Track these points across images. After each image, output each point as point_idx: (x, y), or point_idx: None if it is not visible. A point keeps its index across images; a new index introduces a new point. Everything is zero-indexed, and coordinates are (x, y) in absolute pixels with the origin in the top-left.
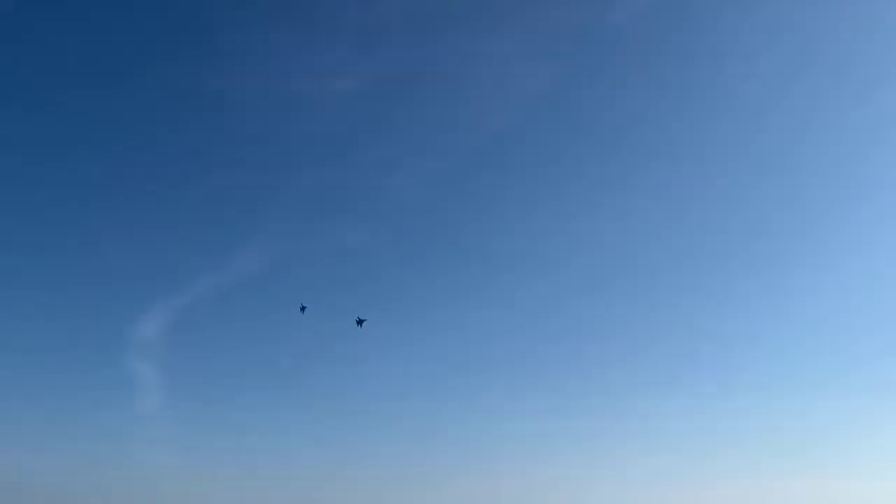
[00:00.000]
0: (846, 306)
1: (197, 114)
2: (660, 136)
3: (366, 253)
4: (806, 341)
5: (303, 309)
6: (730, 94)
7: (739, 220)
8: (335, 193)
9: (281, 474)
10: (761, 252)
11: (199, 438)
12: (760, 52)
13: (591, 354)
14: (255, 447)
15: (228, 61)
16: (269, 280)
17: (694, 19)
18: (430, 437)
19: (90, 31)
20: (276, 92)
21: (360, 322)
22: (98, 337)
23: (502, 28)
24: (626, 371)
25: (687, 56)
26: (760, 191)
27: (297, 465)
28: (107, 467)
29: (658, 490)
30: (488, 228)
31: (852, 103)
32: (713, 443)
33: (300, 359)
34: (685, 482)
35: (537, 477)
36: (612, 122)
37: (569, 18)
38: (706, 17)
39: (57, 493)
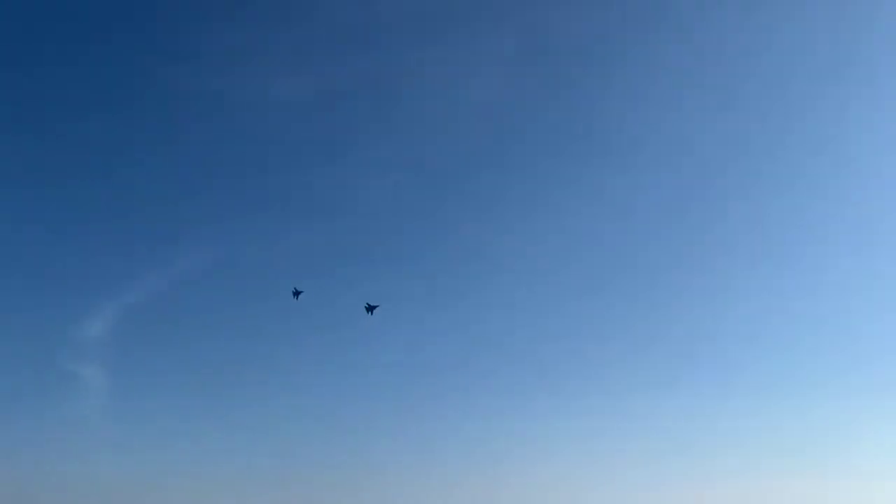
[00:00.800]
0: (845, 306)
1: (149, 112)
2: (614, 140)
3: (315, 253)
4: (805, 342)
5: (296, 294)
6: (686, 101)
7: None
8: (285, 194)
9: (228, 477)
10: (759, 252)
11: (143, 441)
12: (758, 51)
13: (591, 355)
14: (203, 449)
15: (178, 57)
16: (216, 279)
17: (645, 32)
18: (407, 439)
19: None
20: (227, 92)
21: (370, 309)
22: (40, 337)
23: (455, 37)
24: (626, 371)
25: (640, 66)
26: (746, 189)
27: (243, 467)
28: (45, 470)
29: (658, 489)
30: (438, 232)
31: (847, 100)
32: (713, 443)
33: (244, 360)
34: (685, 482)
35: (538, 477)
36: (561, 129)
37: (521, 28)
38: (657, 29)
39: None
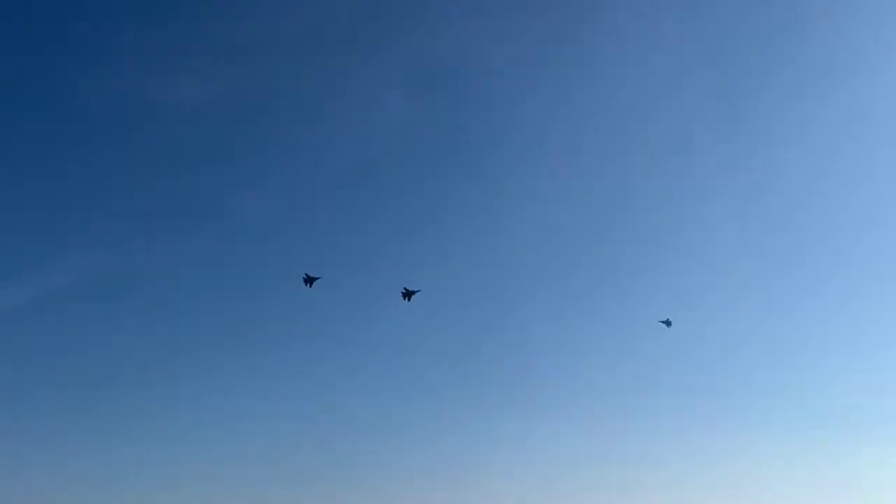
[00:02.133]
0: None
1: (37, 112)
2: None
3: (198, 271)
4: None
5: (309, 282)
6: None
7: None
8: (171, 205)
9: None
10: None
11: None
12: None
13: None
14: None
15: (69, 57)
16: (97, 287)
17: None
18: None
19: None
20: (120, 92)
21: (408, 295)
22: None
23: (366, 58)
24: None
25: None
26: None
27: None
28: None
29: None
30: (315, 243)
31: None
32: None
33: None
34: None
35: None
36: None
37: (432, 55)
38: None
39: None
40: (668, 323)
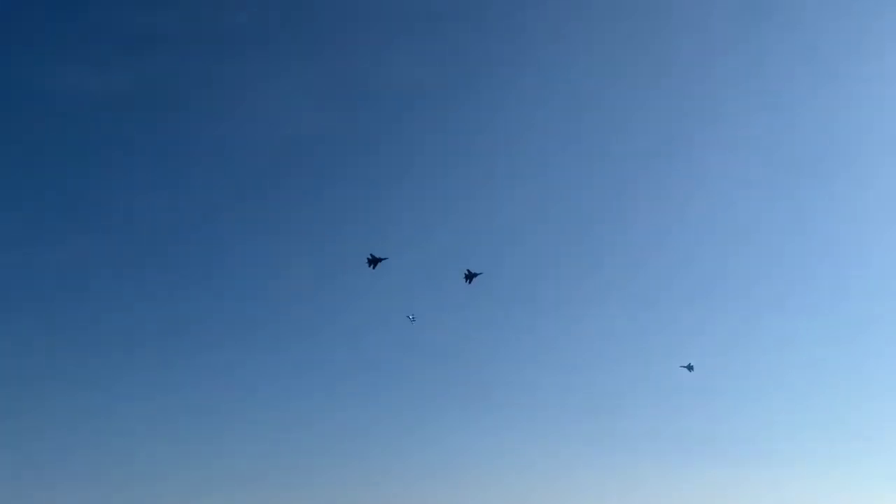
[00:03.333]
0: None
1: None
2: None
3: (98, 270)
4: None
5: (373, 263)
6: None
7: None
8: (71, 201)
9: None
10: None
11: None
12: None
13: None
14: None
15: None
16: None
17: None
18: None
19: None
20: (19, 83)
21: (470, 277)
22: None
23: (285, 65)
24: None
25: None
26: None
27: None
28: None
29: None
30: (215, 250)
31: None
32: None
33: None
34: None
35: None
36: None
37: (353, 70)
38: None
39: None
40: (690, 368)
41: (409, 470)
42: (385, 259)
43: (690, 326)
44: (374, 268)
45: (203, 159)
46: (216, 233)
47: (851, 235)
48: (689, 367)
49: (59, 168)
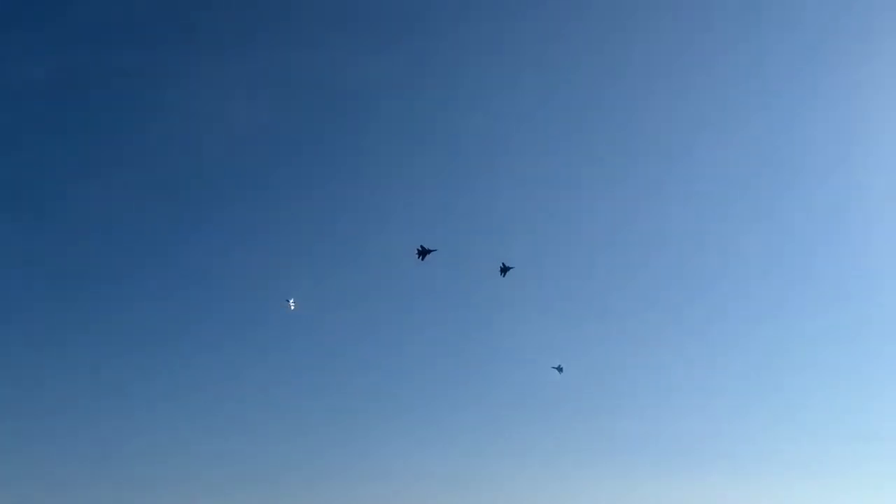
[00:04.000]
0: None
1: None
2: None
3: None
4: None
5: (423, 254)
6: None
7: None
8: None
9: None
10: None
11: None
12: None
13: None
14: None
15: None
16: None
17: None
18: None
19: None
20: None
21: (504, 270)
22: None
23: (228, 58)
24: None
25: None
26: None
27: None
28: None
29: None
30: (158, 248)
31: None
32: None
33: None
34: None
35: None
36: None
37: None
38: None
39: None
40: (560, 369)
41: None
42: (435, 251)
43: (690, 326)
44: (422, 259)
45: (142, 151)
46: (155, 226)
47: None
48: (559, 369)
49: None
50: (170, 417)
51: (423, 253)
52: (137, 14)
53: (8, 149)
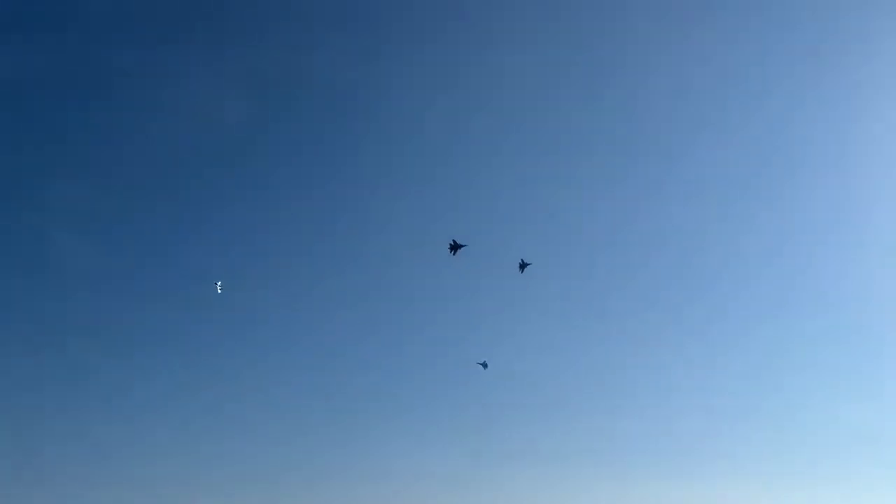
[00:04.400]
0: None
1: None
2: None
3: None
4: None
5: (455, 249)
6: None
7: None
8: None
9: None
10: None
11: None
12: None
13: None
14: None
15: None
16: None
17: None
18: None
19: None
20: None
21: (454, 248)
22: None
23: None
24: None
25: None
26: None
27: None
28: None
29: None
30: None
31: None
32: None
33: None
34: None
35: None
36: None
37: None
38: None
39: None
40: (484, 365)
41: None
42: (465, 246)
43: (691, 326)
44: (454, 254)
45: (121, 148)
46: (154, 226)
47: (852, 236)
48: (484, 365)
49: None
50: (169, 417)
51: (454, 248)
52: (129, 10)
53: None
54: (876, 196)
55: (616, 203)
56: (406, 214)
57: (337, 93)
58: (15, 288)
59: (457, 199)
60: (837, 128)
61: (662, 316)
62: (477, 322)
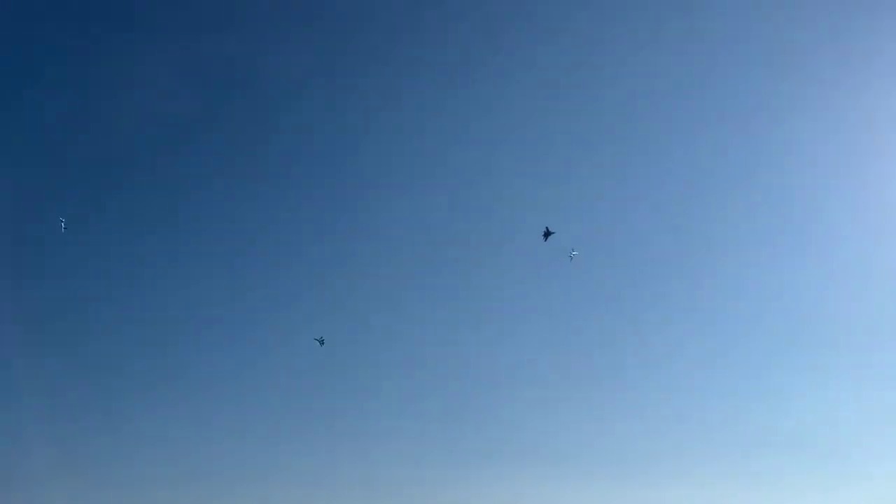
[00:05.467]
0: None
1: None
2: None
3: None
4: None
5: (547, 235)
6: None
7: None
8: None
9: None
10: None
11: None
12: None
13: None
14: None
15: None
16: None
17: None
18: None
19: None
20: None
21: (547, 235)
22: None
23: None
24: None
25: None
26: None
27: None
28: None
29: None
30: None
31: None
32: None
33: None
34: None
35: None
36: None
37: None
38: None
39: None
40: (321, 342)
41: None
42: (554, 234)
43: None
44: (546, 240)
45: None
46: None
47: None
48: (321, 341)
49: None
50: (169, 417)
51: (547, 234)
52: None
53: None
54: (879, 196)
55: (616, 203)
56: (407, 212)
57: (338, 94)
58: None
59: (457, 198)
60: (840, 126)
61: (662, 316)
62: (476, 322)
